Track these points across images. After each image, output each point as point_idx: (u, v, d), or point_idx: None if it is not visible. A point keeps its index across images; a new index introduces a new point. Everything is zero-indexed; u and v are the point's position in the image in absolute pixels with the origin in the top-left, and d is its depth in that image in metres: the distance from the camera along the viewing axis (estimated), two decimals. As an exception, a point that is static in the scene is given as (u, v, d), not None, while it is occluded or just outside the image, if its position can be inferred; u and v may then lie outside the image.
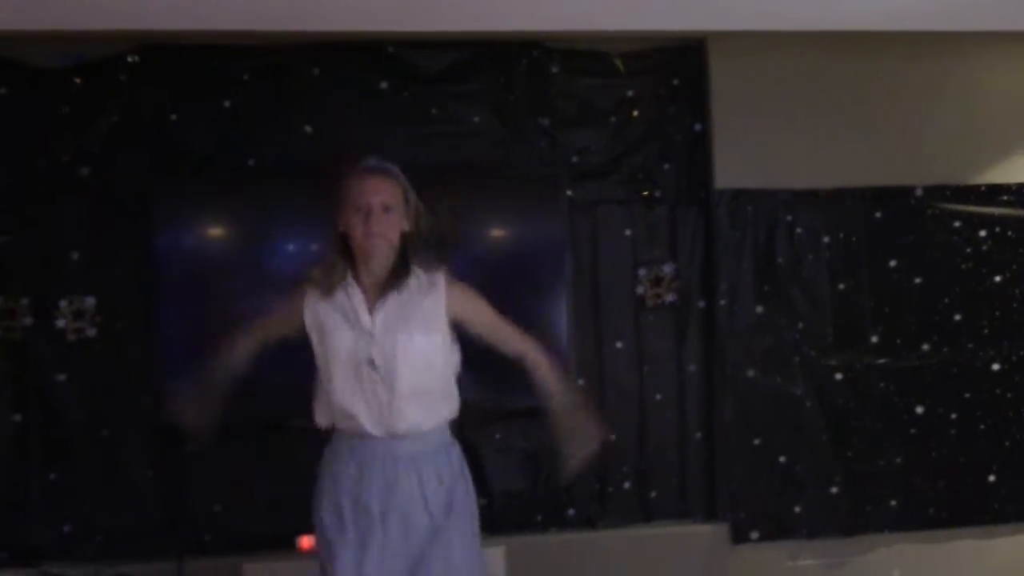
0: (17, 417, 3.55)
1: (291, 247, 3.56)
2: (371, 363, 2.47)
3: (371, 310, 2.52)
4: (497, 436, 3.73)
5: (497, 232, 3.69)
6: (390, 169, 2.57)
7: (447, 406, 2.61)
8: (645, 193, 3.82)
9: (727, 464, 3.74)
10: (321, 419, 2.61)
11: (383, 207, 2.49)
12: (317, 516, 2.58)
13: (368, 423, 2.51)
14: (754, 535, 3.72)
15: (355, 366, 2.49)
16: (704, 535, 3.76)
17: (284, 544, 3.39)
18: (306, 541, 3.31)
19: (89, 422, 3.56)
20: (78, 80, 3.61)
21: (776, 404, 3.76)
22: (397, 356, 2.48)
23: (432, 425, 2.57)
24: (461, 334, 2.64)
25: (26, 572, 3.46)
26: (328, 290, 2.54)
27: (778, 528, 3.74)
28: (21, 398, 3.55)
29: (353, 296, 2.53)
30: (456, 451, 2.65)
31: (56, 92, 3.59)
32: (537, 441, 3.72)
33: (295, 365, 3.21)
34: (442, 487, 2.54)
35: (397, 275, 2.53)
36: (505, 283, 3.53)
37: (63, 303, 3.56)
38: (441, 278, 2.59)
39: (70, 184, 3.59)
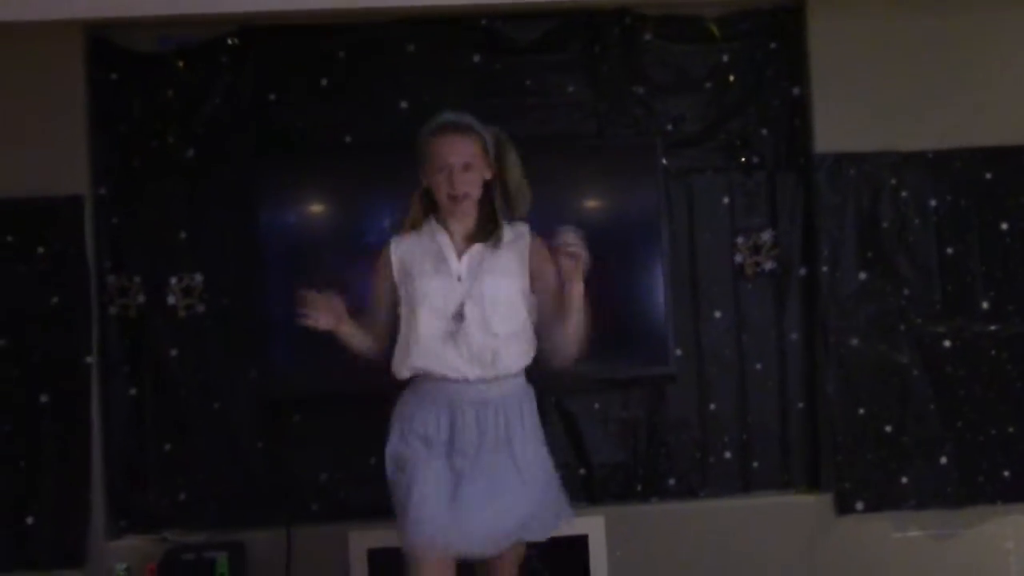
0: (133, 391, 3.70)
1: (388, 221, 3.58)
2: (460, 307, 2.56)
3: (459, 256, 2.61)
4: (596, 406, 3.76)
5: (592, 203, 3.72)
6: (467, 123, 2.65)
7: (528, 351, 2.67)
8: (743, 160, 3.79)
9: (831, 434, 3.69)
10: (402, 370, 2.67)
11: (464, 166, 2.58)
12: (394, 452, 2.65)
13: (455, 366, 2.58)
14: (859, 506, 3.67)
15: (444, 310, 2.57)
16: (807, 506, 3.73)
17: (388, 513, 3.30)
18: None
19: (201, 395, 3.68)
20: (181, 64, 3.72)
21: (881, 373, 3.69)
22: (485, 299, 2.57)
23: (516, 369, 2.65)
24: None
25: (145, 538, 3.61)
26: (417, 238, 2.65)
27: (884, 499, 3.68)
28: (136, 373, 3.69)
29: (441, 242, 2.63)
30: (531, 393, 2.73)
31: (161, 76, 3.71)
32: (636, 411, 3.77)
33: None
34: (528, 425, 2.64)
35: (483, 225, 2.64)
36: (601, 254, 3.33)
37: (173, 281, 3.68)
38: (526, 229, 2.69)
39: (177, 166, 3.71)
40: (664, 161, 3.67)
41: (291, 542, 3.59)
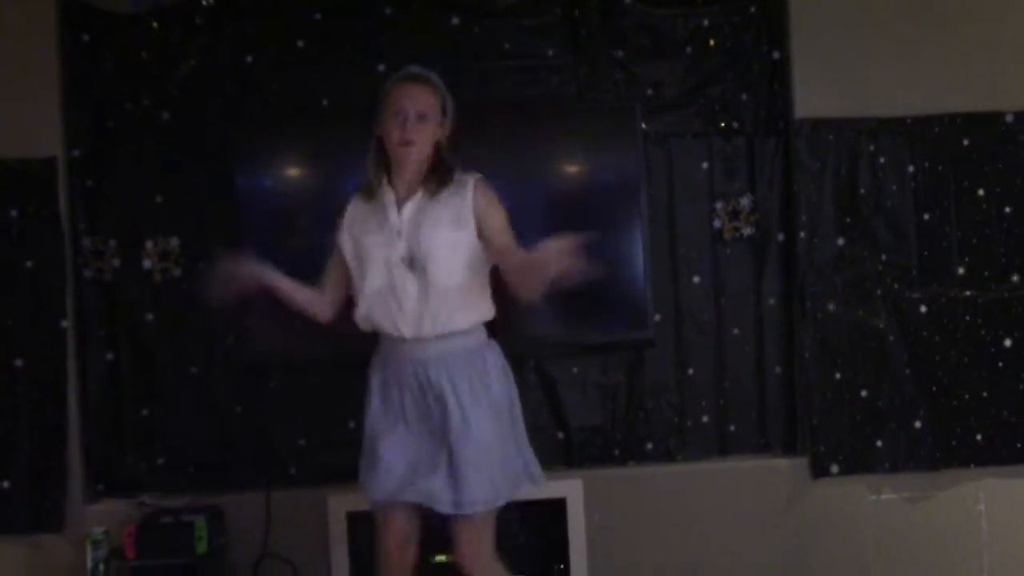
0: (110, 355, 3.72)
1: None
2: (402, 260, 2.58)
3: (400, 208, 2.64)
4: (575, 370, 3.79)
5: (571, 167, 3.73)
6: (429, 78, 2.67)
7: (479, 306, 2.68)
8: (722, 125, 3.81)
9: (807, 398, 3.75)
10: (363, 323, 2.72)
11: (418, 115, 2.59)
12: (366, 416, 2.75)
13: (399, 324, 2.62)
14: (834, 469, 3.72)
15: (386, 265, 2.61)
16: (783, 469, 3.78)
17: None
18: None
19: (178, 360, 3.70)
20: (156, 25, 3.71)
21: (857, 338, 3.75)
22: (423, 251, 2.58)
23: (464, 326, 2.64)
24: None
25: (123, 503, 3.63)
26: (368, 198, 2.68)
27: (859, 462, 3.74)
28: (113, 337, 3.71)
29: (385, 198, 2.66)
30: (493, 352, 2.72)
31: (135, 38, 3.70)
32: (615, 375, 3.81)
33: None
34: (474, 389, 2.63)
35: (428, 179, 2.64)
36: (580, 218, 3.56)
37: (149, 244, 3.69)
38: (471, 180, 2.67)
39: (152, 128, 3.71)
40: (644, 126, 3.68)
41: (270, 506, 3.62)
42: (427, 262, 2.58)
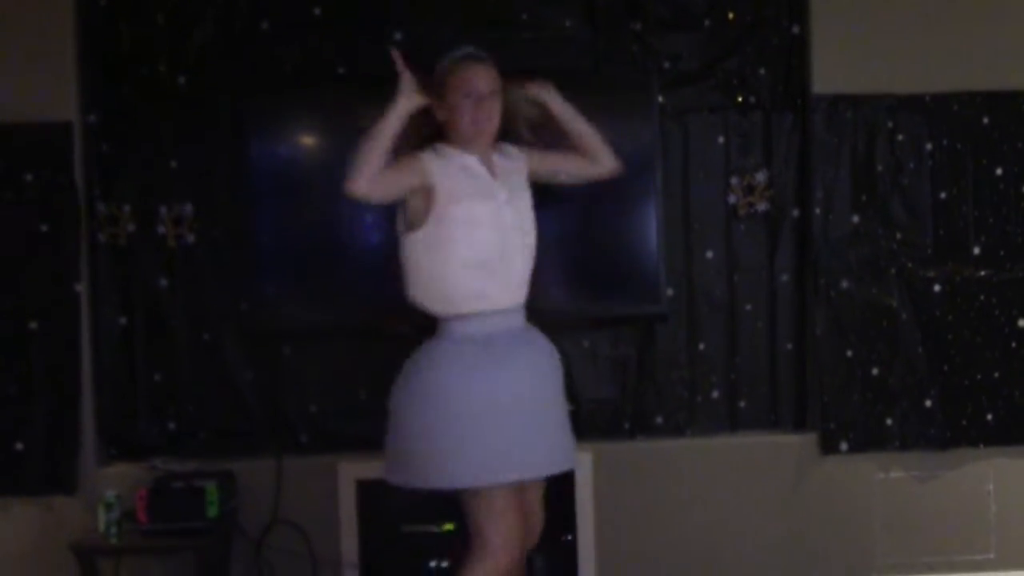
0: (123, 320, 3.75)
1: None
2: (512, 227, 2.63)
3: (493, 176, 2.68)
4: (586, 344, 3.80)
5: None
6: (487, 56, 2.72)
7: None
8: (739, 99, 3.80)
9: (818, 375, 3.76)
10: (435, 304, 2.66)
11: (490, 92, 2.64)
12: (442, 394, 2.59)
13: (504, 292, 2.64)
14: (844, 446, 3.74)
15: (499, 233, 2.62)
16: (793, 445, 3.79)
17: (377, 445, 3.38)
18: None
19: (191, 325, 3.73)
20: (172, -10, 3.71)
21: (870, 316, 3.75)
22: (524, 217, 2.68)
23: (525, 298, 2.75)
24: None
25: (136, 466, 3.68)
26: (447, 165, 2.63)
27: (868, 440, 3.75)
28: (126, 302, 3.74)
29: (475, 166, 2.65)
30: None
31: (151, 3, 3.70)
32: (626, 349, 3.82)
33: (386, 272, 3.31)
34: (548, 352, 2.76)
35: (496, 151, 2.72)
36: (594, 192, 3.49)
37: (163, 210, 3.71)
38: (514, 150, 2.81)
39: (167, 94, 3.72)
40: (660, 99, 3.68)
41: (280, 472, 3.66)
42: (528, 228, 2.69)
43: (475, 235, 2.60)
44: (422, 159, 2.63)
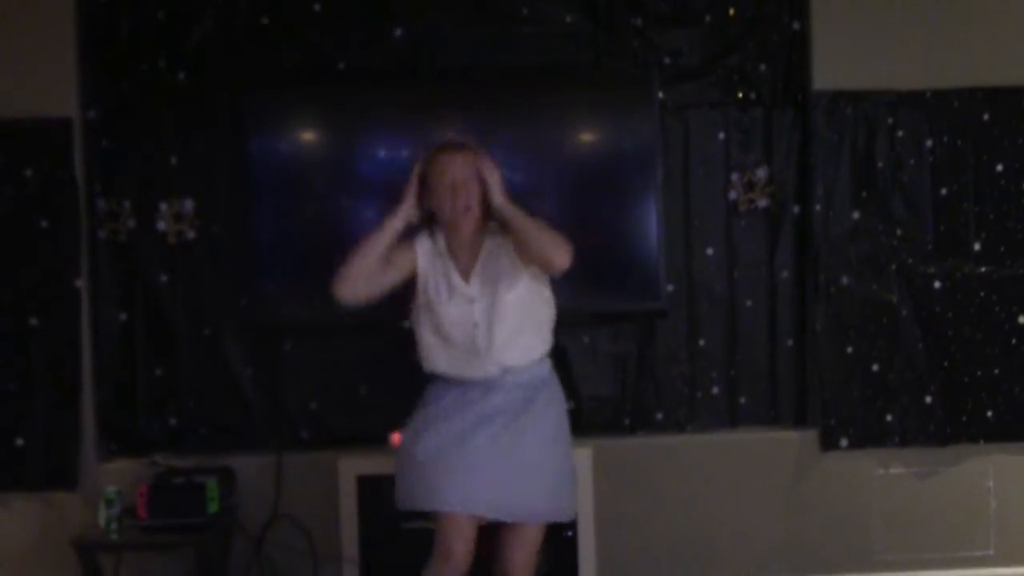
0: (123, 316, 3.77)
1: (382, 151, 3.66)
2: (475, 325, 2.75)
3: (467, 274, 2.79)
4: (586, 340, 3.81)
5: (586, 135, 3.74)
6: (466, 143, 2.82)
7: (539, 345, 2.87)
8: (740, 95, 3.81)
9: (818, 371, 3.77)
10: (426, 364, 2.88)
11: (464, 182, 2.75)
12: (412, 445, 2.80)
13: (469, 371, 2.79)
14: (843, 442, 3.75)
15: (462, 329, 2.77)
16: (793, 441, 3.81)
17: (377, 441, 3.54)
18: (398, 438, 3.39)
19: (191, 321, 3.74)
20: (173, -15, 3.72)
21: (870, 312, 3.76)
22: (496, 312, 2.75)
23: (526, 362, 2.83)
24: None
25: (136, 462, 3.68)
26: (433, 258, 2.82)
27: (868, 436, 3.76)
28: (127, 298, 3.76)
29: (448, 267, 2.80)
30: (553, 383, 2.91)
31: (152, -2, 3.71)
32: (626, 345, 3.83)
33: None
34: (539, 413, 2.81)
35: (479, 237, 2.81)
36: (594, 188, 3.65)
37: (163, 206, 3.73)
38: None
39: (167, 90, 3.73)
40: (661, 95, 3.69)
41: (281, 468, 3.67)
42: (496, 323, 2.75)
43: (442, 326, 2.79)
44: (415, 248, 2.84)
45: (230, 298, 3.72)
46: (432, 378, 2.91)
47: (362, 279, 2.74)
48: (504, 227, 2.79)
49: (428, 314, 2.82)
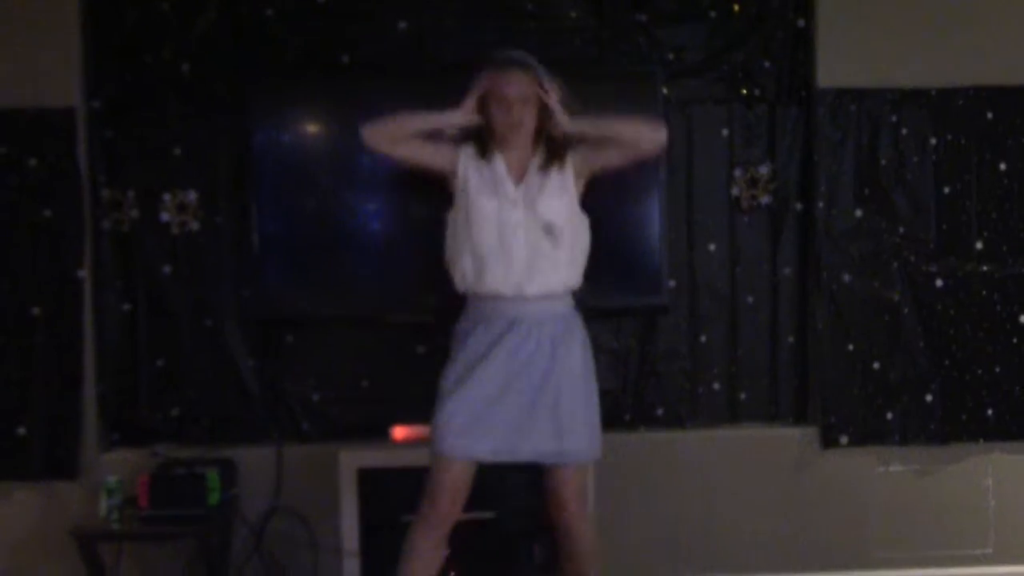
0: (126, 307, 3.78)
1: None
2: (516, 225, 2.78)
3: (515, 180, 2.83)
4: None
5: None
6: (527, 61, 2.86)
7: (572, 274, 2.89)
8: (744, 92, 3.82)
9: (819, 368, 3.79)
10: (460, 282, 2.88)
11: (522, 99, 2.79)
12: (449, 371, 2.86)
13: (502, 284, 2.79)
14: (844, 440, 3.77)
15: (498, 227, 2.79)
16: (793, 438, 3.83)
17: (378, 433, 3.63)
18: (399, 431, 3.61)
19: (194, 312, 3.77)
20: (177, -24, 3.73)
21: (872, 310, 3.79)
22: (539, 219, 2.79)
23: (559, 290, 2.86)
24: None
25: (137, 452, 3.70)
26: (478, 155, 2.85)
27: (869, 434, 3.78)
28: (130, 289, 3.77)
29: (497, 166, 2.84)
30: (579, 320, 2.93)
31: (156, -11, 3.72)
32: (627, 341, 3.84)
33: (392, 261, 3.57)
34: (568, 352, 2.83)
35: (536, 152, 2.87)
36: (597, 183, 3.40)
37: (167, 197, 3.74)
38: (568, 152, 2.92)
39: (171, 80, 3.74)
40: (664, 90, 3.68)
41: (281, 460, 3.70)
42: (536, 232, 2.79)
43: (475, 225, 2.81)
44: (458, 150, 2.88)
45: (232, 289, 3.76)
46: (458, 327, 2.91)
47: (388, 140, 2.84)
48: (584, 144, 2.85)
49: (466, 222, 2.83)
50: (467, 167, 2.86)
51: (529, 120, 2.82)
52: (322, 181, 3.65)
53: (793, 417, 3.89)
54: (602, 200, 3.47)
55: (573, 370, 2.85)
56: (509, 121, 2.79)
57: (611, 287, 3.66)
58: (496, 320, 2.81)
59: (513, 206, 2.81)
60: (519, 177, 2.85)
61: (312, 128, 3.72)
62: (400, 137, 2.83)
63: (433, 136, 2.88)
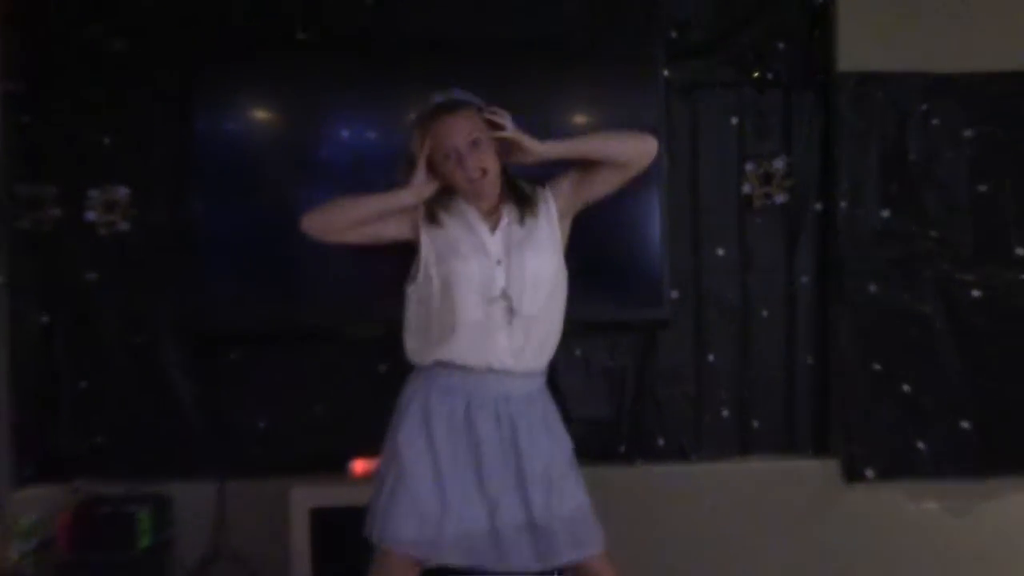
0: (44, 318, 3.69)
1: (345, 133, 3.62)
2: (502, 291, 2.61)
3: (492, 232, 2.66)
4: (577, 353, 3.76)
5: (582, 118, 3.67)
6: (463, 101, 2.68)
7: (554, 344, 2.76)
8: (755, 75, 3.79)
9: (841, 392, 3.76)
10: (419, 356, 2.69)
11: (471, 144, 2.61)
12: (395, 441, 2.66)
13: (487, 357, 2.62)
14: (870, 473, 3.74)
15: (482, 295, 2.61)
16: (812, 471, 3.80)
17: (335, 467, 3.53)
18: (359, 465, 3.53)
19: (123, 326, 3.68)
20: (111, -59, 3.68)
21: (901, 324, 3.75)
22: (526, 280, 2.62)
23: (544, 363, 2.74)
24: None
25: (55, 488, 3.59)
26: (435, 216, 2.67)
27: (898, 466, 3.75)
28: (49, 297, 3.68)
29: (471, 219, 2.67)
30: (548, 397, 2.80)
31: (86, -44, 3.68)
32: (623, 360, 3.79)
33: (351, 266, 3.48)
34: (551, 433, 2.71)
35: (506, 200, 2.69)
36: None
37: (93, 193, 3.66)
38: (545, 192, 2.73)
39: (102, 61, 3.69)
40: (666, 73, 3.66)
41: (223, 497, 3.64)
42: (531, 291, 2.63)
43: (457, 296, 2.62)
44: (418, 214, 2.69)
45: (169, 300, 3.67)
46: (412, 384, 2.72)
47: (332, 231, 2.65)
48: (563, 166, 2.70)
49: (443, 292, 2.64)
50: (431, 232, 2.68)
51: (491, 163, 2.63)
52: (274, 174, 3.59)
53: (812, 448, 3.85)
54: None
55: (555, 456, 2.69)
56: (467, 174, 2.60)
57: (605, 298, 3.60)
58: (478, 396, 2.64)
59: (497, 267, 2.63)
60: (495, 229, 2.68)
61: (263, 114, 3.68)
62: (344, 227, 2.65)
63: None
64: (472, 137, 2.61)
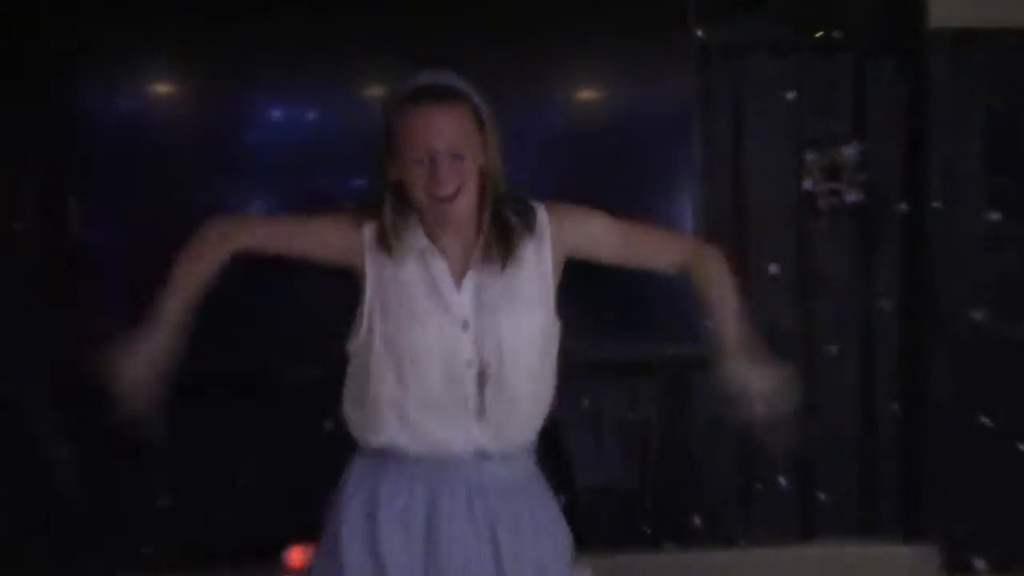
0: None
1: (276, 113, 3.38)
2: (469, 363, 2.33)
3: (458, 283, 2.36)
4: (585, 403, 3.50)
5: (593, 93, 3.44)
6: (456, 90, 2.33)
7: (544, 411, 2.50)
8: (817, 35, 3.51)
9: (939, 453, 3.50)
10: (361, 433, 2.41)
11: (452, 154, 2.25)
12: (336, 534, 2.37)
13: (452, 440, 2.35)
14: (980, 564, 3.49)
15: (447, 366, 2.33)
16: (900, 561, 3.55)
17: (265, 558, 3.13)
18: (296, 555, 3.18)
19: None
20: None
21: (1017, 364, 3.48)
22: (504, 349, 2.33)
23: (531, 437, 2.47)
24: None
25: None
26: (392, 252, 2.34)
27: (1015, 554, 3.49)
28: None
29: (431, 262, 2.34)
30: (543, 480, 2.56)
31: None
32: (647, 411, 3.54)
33: (280, 288, 3.23)
34: (542, 528, 2.43)
35: (483, 233, 2.36)
36: (601, 170, 3.38)
37: (-63, 189, 3.38)
38: (542, 216, 2.40)
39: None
40: (699, 32, 3.39)
41: (114, 603, 3.32)
42: (509, 361, 2.35)
43: (416, 365, 2.35)
44: (361, 232, 2.36)
45: (38, 334, 3.35)
46: (357, 467, 2.44)
47: (241, 248, 2.42)
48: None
49: (376, 345, 2.34)
50: (380, 268, 2.37)
51: (470, 182, 2.30)
52: (182, 166, 3.31)
53: (901, 530, 3.59)
54: (608, 195, 3.06)
55: (542, 558, 2.42)
56: (435, 190, 2.24)
57: (623, 330, 3.39)
58: (416, 490, 2.38)
59: (463, 330, 2.33)
60: (460, 265, 2.38)
61: (168, 89, 3.40)
62: (255, 248, 2.44)
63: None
64: (455, 143, 2.25)
